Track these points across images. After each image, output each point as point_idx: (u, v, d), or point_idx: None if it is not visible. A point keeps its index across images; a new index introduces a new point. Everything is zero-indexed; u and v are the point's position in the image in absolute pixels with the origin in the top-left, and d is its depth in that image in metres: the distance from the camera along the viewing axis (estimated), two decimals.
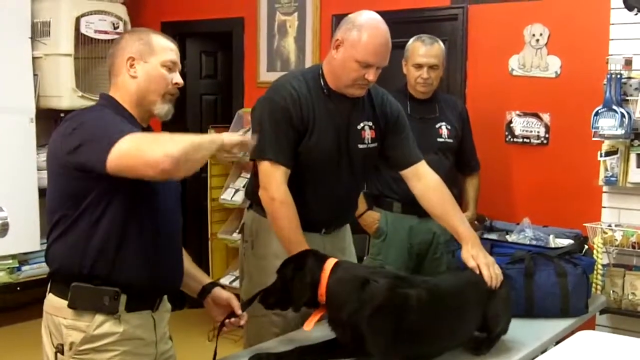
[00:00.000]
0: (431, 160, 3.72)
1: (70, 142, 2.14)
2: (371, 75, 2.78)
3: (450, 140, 3.89)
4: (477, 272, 2.67)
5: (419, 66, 3.80)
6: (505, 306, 2.67)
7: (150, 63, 2.32)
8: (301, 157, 2.82)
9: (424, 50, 3.81)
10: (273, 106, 2.80)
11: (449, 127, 3.89)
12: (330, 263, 2.46)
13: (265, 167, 2.78)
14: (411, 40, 3.87)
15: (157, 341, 2.33)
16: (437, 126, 3.87)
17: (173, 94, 2.36)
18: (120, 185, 2.12)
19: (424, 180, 2.99)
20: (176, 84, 2.36)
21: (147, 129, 2.37)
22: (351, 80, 2.80)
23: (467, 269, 2.74)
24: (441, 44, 3.88)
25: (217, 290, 2.54)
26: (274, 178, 2.75)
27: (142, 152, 2.01)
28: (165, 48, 2.35)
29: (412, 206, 3.72)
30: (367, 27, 2.76)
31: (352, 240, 3.22)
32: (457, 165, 4.01)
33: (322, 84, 2.88)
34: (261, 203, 2.84)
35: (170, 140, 2.02)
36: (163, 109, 2.34)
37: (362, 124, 2.94)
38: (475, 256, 2.72)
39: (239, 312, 2.52)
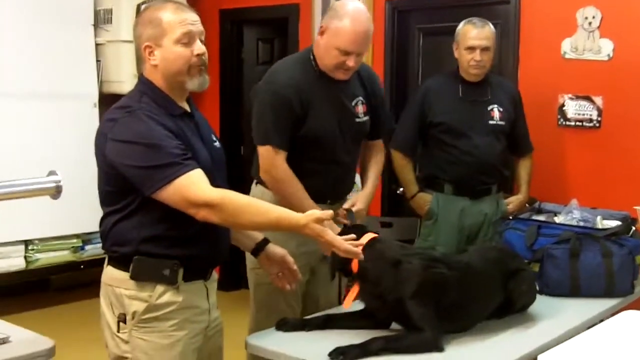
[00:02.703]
0: (483, 143, 3.80)
1: (120, 153, 2.20)
2: (351, 62, 2.97)
3: (502, 123, 3.87)
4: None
5: (472, 49, 3.79)
6: (529, 286, 2.82)
7: (165, 46, 2.28)
8: (307, 136, 3.02)
9: (475, 33, 3.80)
10: (273, 95, 3.00)
11: (500, 109, 3.88)
12: (367, 237, 2.54)
13: (267, 151, 3.00)
14: (461, 24, 3.87)
15: (210, 309, 2.43)
16: (489, 109, 3.86)
17: (200, 65, 2.31)
18: None
19: (373, 149, 3.32)
20: (197, 55, 2.30)
21: (190, 109, 2.40)
22: (333, 65, 2.99)
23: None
24: (492, 26, 3.86)
25: (271, 247, 2.63)
26: (278, 162, 2.99)
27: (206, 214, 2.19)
28: (174, 23, 2.27)
29: (464, 187, 3.83)
30: (348, 17, 2.94)
31: None
32: (510, 148, 4.00)
33: (314, 66, 3.06)
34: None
35: (247, 213, 2.24)
36: (194, 83, 2.32)
37: (355, 100, 3.14)
38: (356, 209, 3.04)
39: (294, 267, 2.63)
